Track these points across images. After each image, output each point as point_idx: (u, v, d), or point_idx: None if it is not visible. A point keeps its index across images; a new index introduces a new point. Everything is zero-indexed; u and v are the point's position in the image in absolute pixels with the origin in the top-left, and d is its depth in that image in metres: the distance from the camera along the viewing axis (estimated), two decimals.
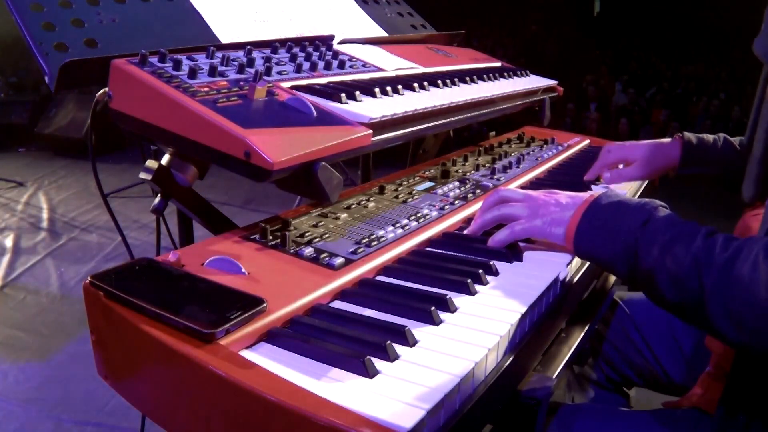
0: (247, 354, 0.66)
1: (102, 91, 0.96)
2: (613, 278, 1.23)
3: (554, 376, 0.85)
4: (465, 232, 1.02)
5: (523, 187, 1.31)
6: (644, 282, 0.81)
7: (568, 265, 0.93)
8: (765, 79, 0.93)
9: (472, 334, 0.72)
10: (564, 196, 0.94)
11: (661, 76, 8.27)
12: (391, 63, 1.39)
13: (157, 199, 0.98)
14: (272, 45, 1.20)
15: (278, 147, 0.83)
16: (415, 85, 1.22)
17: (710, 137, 1.32)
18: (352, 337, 0.68)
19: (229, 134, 0.84)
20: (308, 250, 0.86)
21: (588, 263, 1.02)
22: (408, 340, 0.69)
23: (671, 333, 1.26)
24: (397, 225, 0.99)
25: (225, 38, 1.18)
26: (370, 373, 0.62)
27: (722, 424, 0.87)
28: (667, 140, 1.34)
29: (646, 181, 1.45)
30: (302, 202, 1.19)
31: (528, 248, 0.98)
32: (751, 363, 0.86)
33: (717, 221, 0.85)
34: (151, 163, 0.96)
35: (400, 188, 1.20)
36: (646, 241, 0.79)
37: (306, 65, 1.17)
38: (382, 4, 1.71)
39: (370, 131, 0.99)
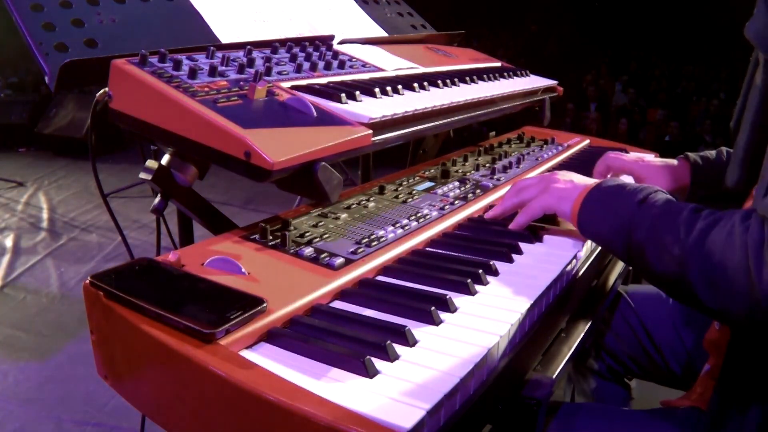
0: (247, 354, 0.66)
1: (102, 91, 0.96)
2: (613, 276, 1.23)
3: (554, 376, 0.85)
4: (486, 215, 1.09)
5: None
6: (637, 257, 0.85)
7: (568, 264, 0.93)
8: (754, 64, 0.92)
9: (472, 334, 0.72)
10: (576, 176, 1.01)
11: (661, 76, 8.28)
12: (391, 63, 1.39)
13: (157, 199, 0.98)
14: (272, 45, 1.20)
15: (278, 147, 0.83)
16: (415, 85, 1.22)
17: (713, 153, 1.28)
18: (352, 337, 0.68)
19: (229, 134, 0.84)
20: (308, 250, 0.86)
21: (589, 261, 1.03)
22: (408, 340, 0.69)
23: (673, 326, 1.27)
24: (397, 225, 0.99)
25: (225, 38, 1.18)
26: (370, 373, 0.62)
27: (715, 420, 0.87)
28: (673, 162, 1.31)
29: None
30: (302, 202, 1.19)
31: (529, 248, 0.98)
32: (743, 358, 0.86)
33: None
34: (151, 163, 0.96)
35: (400, 188, 1.20)
36: (639, 218, 0.85)
37: (306, 65, 1.17)
38: (382, 4, 1.71)
39: (370, 131, 0.99)
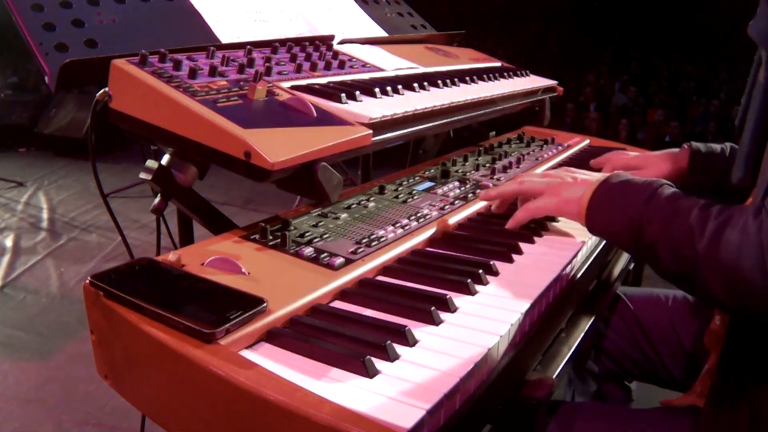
0: (247, 354, 0.66)
1: (102, 91, 0.96)
2: (615, 275, 1.23)
3: (554, 376, 0.85)
4: (479, 196, 1.07)
5: None
6: (648, 254, 0.85)
7: (569, 263, 0.93)
8: (758, 62, 0.93)
9: (472, 334, 0.72)
10: (580, 174, 1.00)
11: (661, 76, 8.28)
12: (391, 63, 1.39)
13: (157, 199, 0.98)
14: (272, 45, 1.20)
15: (278, 147, 0.84)
16: (415, 85, 1.22)
17: (717, 146, 1.33)
18: (352, 337, 0.68)
19: (229, 134, 0.84)
20: (308, 250, 0.87)
21: (589, 261, 1.03)
22: (408, 340, 0.69)
23: (672, 329, 1.27)
24: (397, 225, 0.99)
25: (225, 38, 1.18)
26: (370, 373, 0.62)
27: (708, 417, 0.88)
28: (675, 150, 1.36)
29: None
30: (302, 202, 1.19)
31: (529, 248, 0.98)
32: (737, 356, 0.86)
33: None
34: (151, 163, 0.96)
35: (400, 188, 1.20)
36: (649, 216, 0.84)
37: (306, 65, 1.17)
38: (382, 4, 1.71)
39: (370, 131, 0.99)
